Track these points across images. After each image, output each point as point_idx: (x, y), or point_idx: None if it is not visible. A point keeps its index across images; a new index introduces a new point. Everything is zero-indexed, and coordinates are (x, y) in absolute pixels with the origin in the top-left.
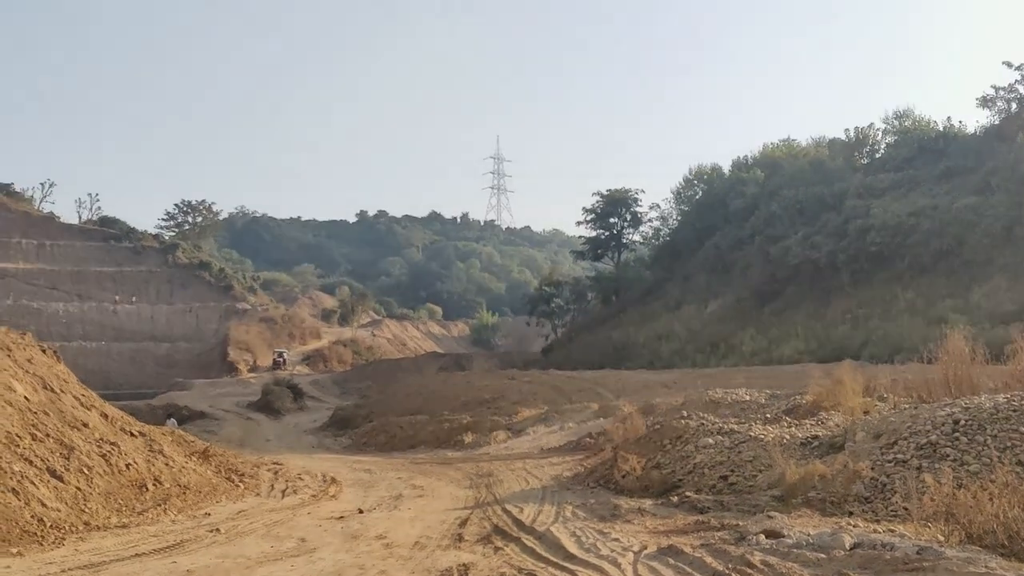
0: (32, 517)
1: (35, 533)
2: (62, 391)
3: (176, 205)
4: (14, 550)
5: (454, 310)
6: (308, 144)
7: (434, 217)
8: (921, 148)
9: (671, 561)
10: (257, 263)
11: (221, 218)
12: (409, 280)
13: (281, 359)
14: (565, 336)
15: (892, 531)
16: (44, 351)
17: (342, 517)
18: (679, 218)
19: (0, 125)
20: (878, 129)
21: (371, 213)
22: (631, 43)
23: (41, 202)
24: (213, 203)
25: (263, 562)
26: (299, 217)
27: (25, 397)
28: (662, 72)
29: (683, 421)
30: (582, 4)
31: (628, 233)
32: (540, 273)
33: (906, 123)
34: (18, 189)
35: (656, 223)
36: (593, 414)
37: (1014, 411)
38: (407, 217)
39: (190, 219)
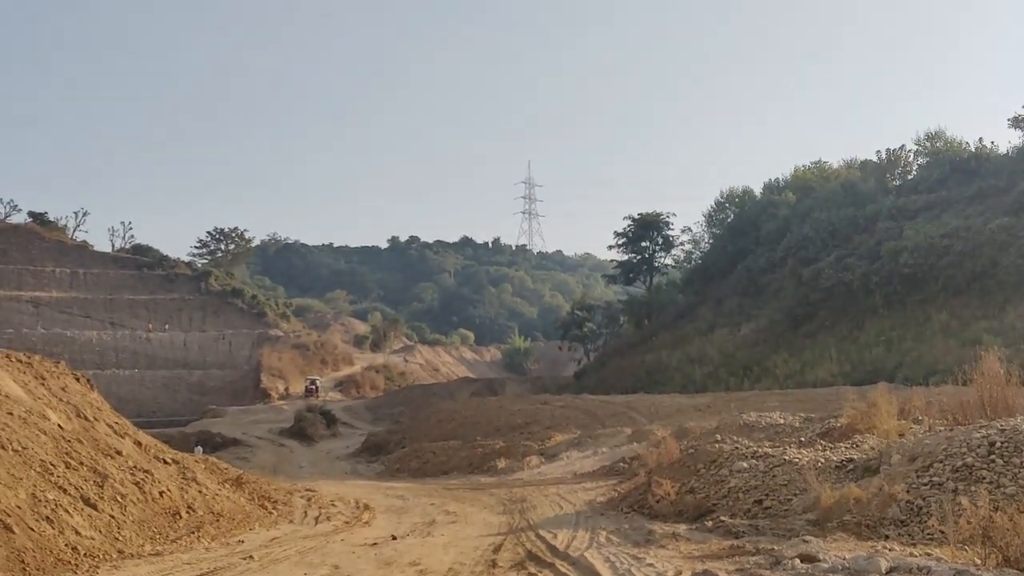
0: (66, 546)
1: (69, 562)
2: (96, 419)
3: (208, 233)
4: None
5: (486, 335)
6: (339, 170)
7: (466, 242)
8: (953, 169)
9: None
10: (289, 290)
11: (253, 245)
12: (441, 305)
13: (314, 387)
14: (597, 360)
15: (929, 554)
16: (78, 379)
17: (375, 544)
18: (711, 241)
19: (34, 155)
20: (910, 151)
21: (403, 239)
22: (662, 67)
23: (74, 231)
24: (245, 230)
25: None
26: (331, 243)
27: (59, 425)
28: (692, 96)
29: (717, 445)
30: (613, 30)
31: (660, 257)
32: (572, 297)
33: (938, 144)
34: (52, 218)
35: (688, 246)
36: (626, 439)
37: None
38: (439, 242)
39: (222, 246)
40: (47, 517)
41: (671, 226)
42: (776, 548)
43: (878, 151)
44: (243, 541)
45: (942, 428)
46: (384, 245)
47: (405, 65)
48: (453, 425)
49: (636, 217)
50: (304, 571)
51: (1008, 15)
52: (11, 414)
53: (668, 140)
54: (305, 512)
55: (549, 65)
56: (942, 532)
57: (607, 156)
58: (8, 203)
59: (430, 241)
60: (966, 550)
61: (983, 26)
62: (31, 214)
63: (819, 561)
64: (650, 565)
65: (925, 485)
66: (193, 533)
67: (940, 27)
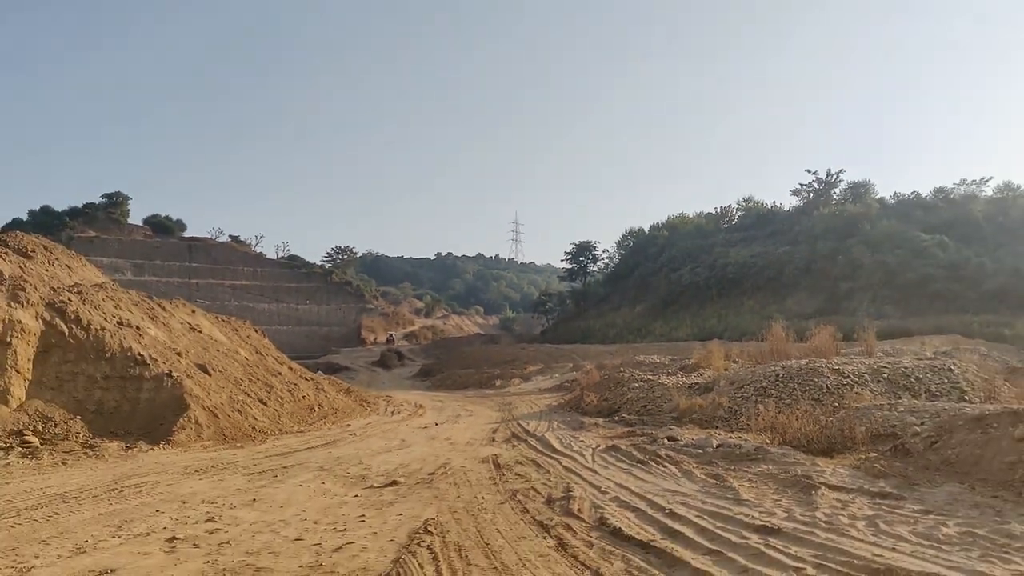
0: (249, 426)
1: (251, 436)
2: (266, 354)
3: (333, 248)
4: (239, 444)
5: (491, 309)
6: (410, 207)
7: (479, 255)
8: (758, 218)
9: (613, 453)
10: (378, 281)
11: (358, 255)
12: (465, 292)
13: (391, 338)
14: (553, 325)
15: (741, 437)
16: (256, 331)
17: (425, 427)
18: (619, 257)
19: (236, 199)
20: (733, 207)
21: (443, 253)
22: (609, 142)
23: (256, 245)
24: (353, 247)
25: (381, 452)
26: (402, 256)
27: (246, 357)
28: (615, 158)
29: (621, 373)
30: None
31: (590, 265)
32: (540, 289)
33: (749, 204)
34: (243, 239)
35: (606, 260)
36: (570, 369)
37: (809, 369)
38: (464, 256)
39: (341, 256)
40: (238, 410)
41: (597, 247)
42: (654, 432)
43: (715, 207)
44: (350, 425)
45: (749, 366)
46: (432, 256)
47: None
48: (470, 360)
49: (577, 243)
50: (385, 442)
51: (798, 108)
52: (219, 351)
53: (602, 189)
54: (385, 409)
55: (532, 129)
56: (748, 425)
57: (566, 199)
58: (216, 229)
59: (458, 254)
60: (762, 435)
61: (779, 127)
62: (231, 236)
63: (678, 440)
64: (582, 441)
65: (739, 398)
66: (322, 420)
67: (752, 130)
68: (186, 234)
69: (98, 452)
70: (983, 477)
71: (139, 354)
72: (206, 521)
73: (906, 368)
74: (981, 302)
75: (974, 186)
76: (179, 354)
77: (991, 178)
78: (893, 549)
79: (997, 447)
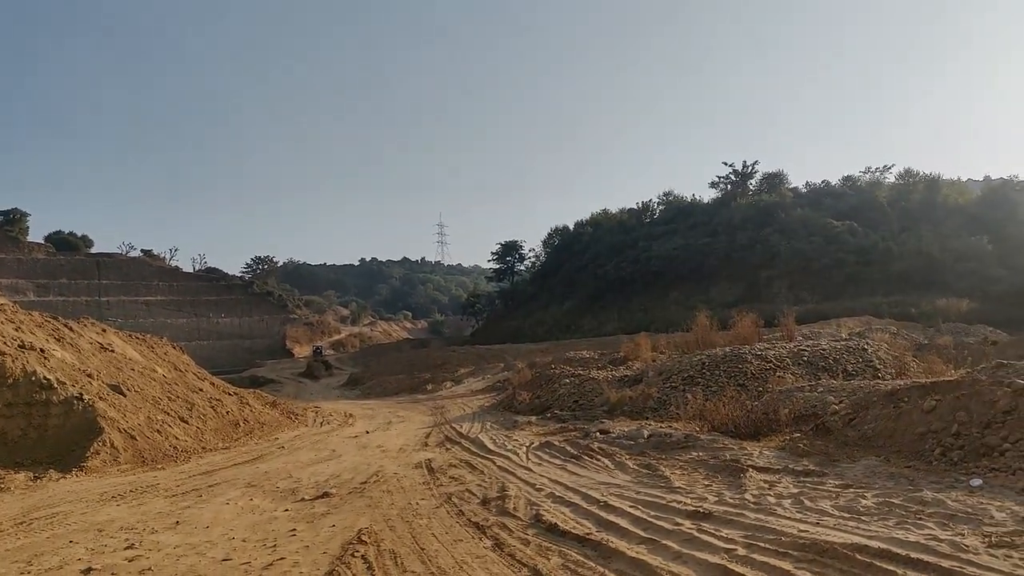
0: (170, 446)
1: (172, 456)
2: (186, 371)
3: (252, 258)
4: (159, 466)
5: (419, 314)
6: (332, 215)
7: (404, 260)
8: (679, 211)
9: (547, 450)
10: (301, 290)
11: (279, 264)
12: (392, 297)
13: (319, 350)
14: (483, 326)
15: (671, 427)
16: (174, 347)
17: (356, 436)
18: (546, 255)
19: (145, 209)
20: (655, 201)
21: (367, 259)
22: (540, 141)
23: (170, 259)
24: (274, 256)
25: (311, 464)
26: (325, 263)
27: (164, 375)
28: (538, 158)
29: (552, 370)
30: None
31: (517, 265)
32: (468, 290)
33: (670, 198)
34: (156, 252)
35: (533, 258)
36: (501, 369)
37: (734, 356)
38: (389, 261)
39: (261, 266)
40: (157, 430)
41: (523, 246)
42: (586, 427)
43: (637, 202)
44: (278, 438)
45: (676, 356)
46: (356, 262)
47: (381, 142)
48: (400, 366)
49: (503, 242)
50: (315, 453)
51: (709, 109)
52: (133, 370)
53: (528, 189)
54: (314, 420)
55: (452, 131)
56: (678, 414)
57: (492, 199)
58: (127, 244)
59: (383, 259)
60: (691, 423)
61: (700, 132)
62: (143, 250)
63: (610, 432)
64: (515, 440)
65: (667, 388)
66: (248, 435)
67: (674, 133)
68: (93, 250)
69: (2, 485)
70: (897, 449)
71: (45, 378)
72: (125, 548)
73: (824, 350)
74: (889, 284)
75: (878, 173)
76: (90, 376)
77: (893, 165)
78: (817, 524)
79: (908, 420)
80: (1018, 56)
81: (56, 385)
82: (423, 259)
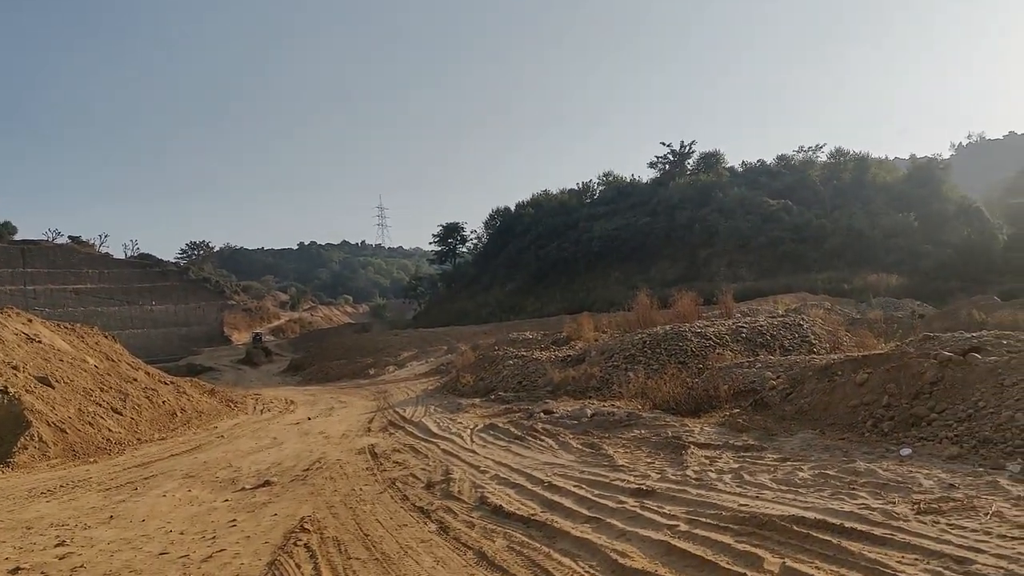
0: (103, 439)
1: (105, 449)
2: (119, 360)
3: (188, 243)
4: (92, 460)
5: (360, 298)
6: (268, 198)
7: (344, 243)
8: (619, 192)
9: (491, 432)
10: (238, 276)
11: (215, 250)
12: (332, 281)
13: (258, 337)
14: (426, 309)
15: (614, 405)
16: (106, 337)
17: (298, 423)
18: (488, 236)
19: (69, 195)
20: (595, 182)
21: (306, 242)
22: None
23: (100, 245)
24: (210, 241)
25: (251, 452)
26: (263, 247)
27: (95, 365)
28: (476, 138)
29: (496, 352)
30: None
31: (459, 247)
32: (410, 273)
33: (610, 178)
34: (85, 239)
35: (475, 240)
36: (444, 352)
37: (674, 334)
38: (328, 244)
39: (196, 252)
40: (89, 422)
41: (465, 228)
42: (530, 407)
43: (577, 183)
44: (217, 427)
45: (618, 335)
46: (295, 246)
47: (302, 118)
48: (341, 351)
49: (445, 224)
50: (255, 442)
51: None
52: (62, 360)
53: (472, 173)
54: (254, 407)
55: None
56: (620, 392)
57: (433, 183)
58: (54, 230)
59: (323, 243)
60: (633, 401)
61: (639, 116)
62: (71, 237)
63: (554, 413)
64: (460, 423)
65: (610, 367)
66: (185, 425)
67: (622, 119)
68: (17, 237)
69: None
70: (832, 422)
71: None
72: (56, 546)
73: (762, 326)
74: (823, 260)
75: (810, 153)
76: (15, 368)
77: (824, 145)
78: (757, 497)
79: (842, 393)
80: (940, 38)
81: None
82: (363, 242)
